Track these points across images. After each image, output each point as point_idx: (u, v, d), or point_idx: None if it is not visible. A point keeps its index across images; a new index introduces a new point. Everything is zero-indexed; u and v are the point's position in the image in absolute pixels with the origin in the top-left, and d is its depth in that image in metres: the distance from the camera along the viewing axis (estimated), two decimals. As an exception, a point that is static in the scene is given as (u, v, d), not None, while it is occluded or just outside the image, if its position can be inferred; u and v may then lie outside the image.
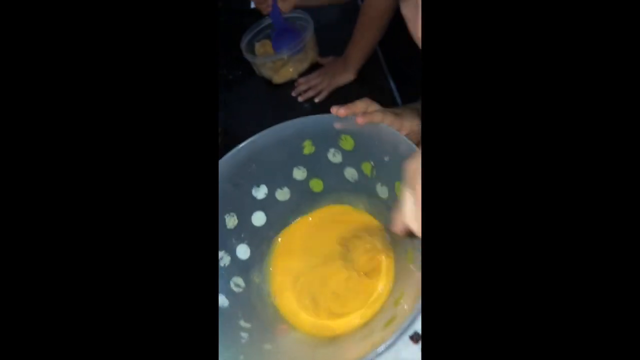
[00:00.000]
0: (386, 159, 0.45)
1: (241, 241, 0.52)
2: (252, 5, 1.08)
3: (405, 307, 0.37)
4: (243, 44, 0.85)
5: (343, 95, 0.77)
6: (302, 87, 0.80)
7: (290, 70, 0.83)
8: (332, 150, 0.51)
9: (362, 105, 0.47)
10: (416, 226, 0.32)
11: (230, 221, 0.51)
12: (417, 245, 0.38)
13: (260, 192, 0.53)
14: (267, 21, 0.87)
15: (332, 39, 0.87)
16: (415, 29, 0.33)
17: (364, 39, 0.75)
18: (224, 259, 0.50)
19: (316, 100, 0.78)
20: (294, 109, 0.79)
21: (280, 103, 0.82)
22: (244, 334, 0.43)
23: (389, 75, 0.78)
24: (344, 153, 0.50)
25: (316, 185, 0.55)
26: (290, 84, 0.83)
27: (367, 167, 0.50)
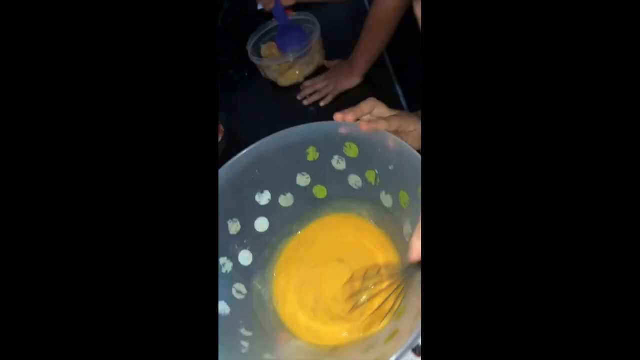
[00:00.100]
0: (391, 167, 0.45)
1: (244, 247, 0.52)
2: (259, 7, 1.08)
3: (408, 320, 0.36)
4: (249, 46, 0.84)
5: (349, 100, 0.77)
6: (307, 91, 0.79)
7: (296, 73, 0.82)
8: (336, 157, 0.50)
9: (368, 106, 0.46)
10: None
11: (233, 227, 0.51)
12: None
13: (264, 198, 0.53)
14: (274, 23, 0.86)
15: (339, 42, 0.87)
16: None
17: (371, 43, 0.74)
18: (226, 265, 0.50)
19: (321, 104, 0.77)
20: (299, 112, 0.79)
21: (285, 106, 0.82)
22: (244, 343, 0.43)
23: (396, 80, 0.77)
24: (349, 160, 0.50)
25: (320, 191, 0.54)
26: (296, 86, 0.82)
27: (371, 175, 0.49)
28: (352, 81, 0.77)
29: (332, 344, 0.45)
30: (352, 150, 0.48)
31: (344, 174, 0.51)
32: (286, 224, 0.55)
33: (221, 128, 0.77)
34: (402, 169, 0.43)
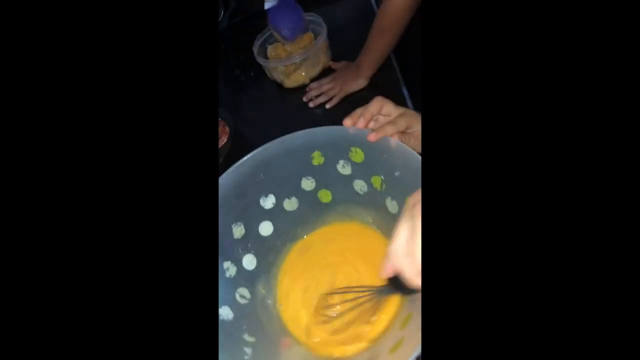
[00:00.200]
0: (397, 174, 0.44)
1: (248, 251, 0.52)
2: (266, 7, 1.07)
3: (413, 329, 0.36)
4: (255, 47, 0.84)
5: (355, 102, 0.76)
6: (313, 93, 0.79)
7: (302, 74, 0.82)
8: (341, 161, 0.50)
9: (376, 107, 0.46)
10: (406, 263, 0.29)
11: (237, 231, 0.51)
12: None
13: (268, 202, 0.53)
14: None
15: (345, 42, 0.86)
16: None
17: (379, 45, 0.73)
18: (229, 269, 0.49)
19: (327, 106, 0.77)
20: (304, 114, 0.78)
21: (290, 107, 0.82)
22: (247, 349, 0.42)
23: (403, 82, 0.76)
24: (354, 165, 0.49)
25: (324, 196, 0.54)
26: (302, 88, 0.82)
27: (377, 181, 0.49)
28: (359, 83, 0.76)
29: (335, 352, 0.45)
30: (357, 155, 0.48)
31: (349, 179, 0.51)
32: (290, 228, 0.55)
33: (226, 129, 0.77)
34: (408, 176, 0.42)
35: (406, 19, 0.69)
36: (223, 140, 0.75)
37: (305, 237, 0.56)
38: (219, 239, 0.48)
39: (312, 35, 0.84)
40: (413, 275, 0.29)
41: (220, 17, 1.05)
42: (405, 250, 0.29)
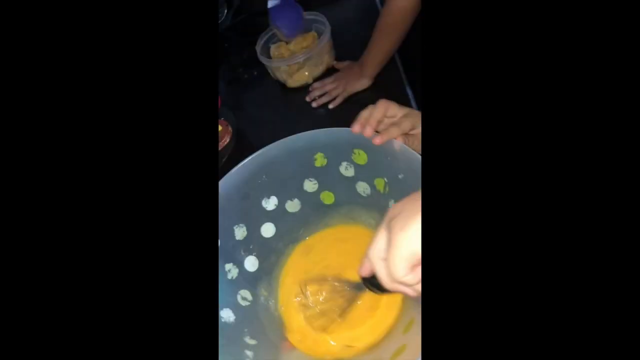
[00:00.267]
0: (400, 176, 0.44)
1: (249, 253, 0.52)
2: (269, 5, 1.07)
3: (416, 335, 0.35)
4: (258, 47, 0.83)
5: (358, 102, 0.75)
6: (316, 93, 0.78)
7: (305, 74, 0.81)
8: (344, 163, 0.49)
9: (381, 112, 0.45)
10: (379, 266, 0.31)
11: (239, 232, 0.51)
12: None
13: (270, 204, 0.52)
14: (283, 23, 0.85)
15: (349, 42, 0.85)
16: None
17: (383, 45, 0.72)
18: (231, 271, 0.49)
19: (330, 106, 0.76)
20: (307, 114, 0.78)
21: (293, 107, 0.81)
22: (249, 352, 0.42)
23: (407, 82, 0.75)
24: (357, 167, 0.49)
25: (327, 197, 0.54)
26: (305, 87, 0.81)
27: (380, 183, 0.48)
28: (362, 83, 0.76)
29: (335, 356, 0.45)
30: (360, 157, 0.48)
31: (352, 181, 0.51)
32: (293, 229, 0.55)
33: (229, 129, 0.77)
34: (412, 178, 0.42)
35: (411, 19, 0.68)
36: (226, 141, 0.75)
37: (307, 238, 0.55)
38: (221, 240, 0.48)
39: (316, 34, 0.84)
40: (387, 280, 0.31)
41: (224, 16, 1.05)
42: (383, 255, 0.31)
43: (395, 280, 0.29)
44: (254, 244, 0.52)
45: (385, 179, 0.47)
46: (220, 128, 0.77)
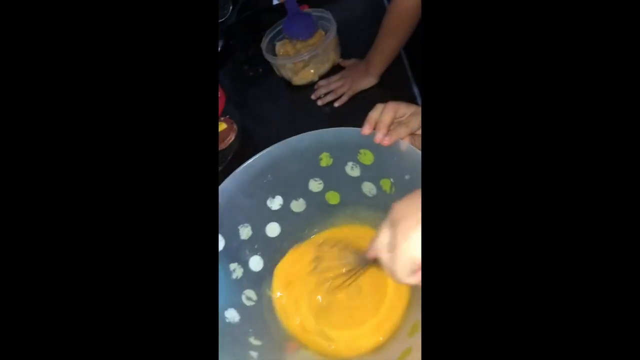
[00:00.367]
0: (407, 177, 0.43)
1: (254, 253, 0.52)
2: (275, 2, 1.06)
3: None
4: (264, 44, 0.83)
5: (364, 100, 0.75)
6: (322, 90, 0.78)
7: (311, 72, 0.81)
8: (350, 163, 0.49)
9: (390, 115, 0.44)
10: (385, 258, 0.33)
11: (244, 232, 0.50)
12: None
13: (275, 203, 0.52)
14: (289, 20, 0.85)
15: (355, 39, 0.85)
16: None
17: (389, 43, 0.72)
18: (236, 271, 0.49)
19: (336, 104, 0.76)
20: (312, 112, 0.77)
21: (298, 105, 0.81)
22: (253, 353, 0.42)
23: (413, 80, 0.75)
24: (363, 167, 0.49)
25: (332, 197, 0.53)
26: (310, 85, 0.81)
27: (386, 184, 0.48)
28: (369, 81, 0.75)
29: (341, 356, 0.44)
30: (366, 157, 0.47)
31: (358, 181, 0.50)
32: (298, 229, 0.54)
33: (234, 127, 0.76)
34: (418, 179, 0.41)
35: (417, 17, 0.67)
36: (231, 139, 0.75)
37: (312, 238, 0.55)
38: (226, 240, 0.48)
39: (322, 32, 0.83)
40: (390, 271, 0.33)
41: (229, 13, 1.04)
42: (387, 248, 0.33)
43: (398, 282, 0.32)
44: (259, 243, 0.52)
45: (392, 180, 0.47)
46: (225, 126, 0.76)
